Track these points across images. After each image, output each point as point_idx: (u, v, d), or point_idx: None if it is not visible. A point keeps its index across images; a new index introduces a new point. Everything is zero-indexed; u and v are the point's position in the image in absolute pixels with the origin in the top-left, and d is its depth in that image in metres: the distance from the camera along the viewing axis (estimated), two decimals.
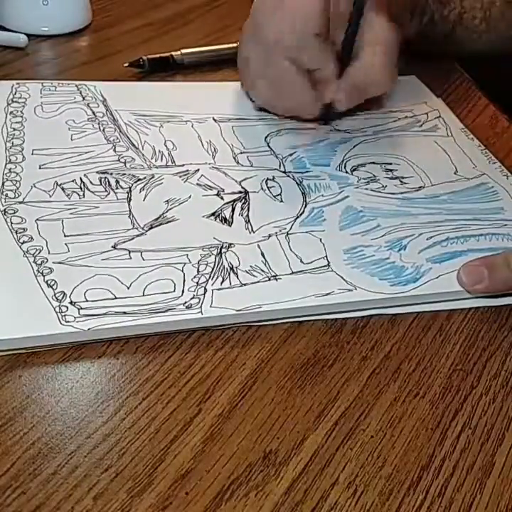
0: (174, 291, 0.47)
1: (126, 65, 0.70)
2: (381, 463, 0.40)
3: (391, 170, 0.61)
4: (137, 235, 0.51)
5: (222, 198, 0.55)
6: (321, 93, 0.62)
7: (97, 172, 0.56)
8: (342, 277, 0.50)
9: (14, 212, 0.51)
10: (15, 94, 0.63)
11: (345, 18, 0.60)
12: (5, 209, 0.51)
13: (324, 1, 0.59)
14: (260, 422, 0.41)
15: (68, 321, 0.44)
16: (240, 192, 0.56)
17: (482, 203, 0.59)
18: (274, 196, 0.56)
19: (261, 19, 0.61)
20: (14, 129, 0.59)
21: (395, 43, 0.62)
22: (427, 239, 0.54)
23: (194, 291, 0.47)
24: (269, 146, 0.62)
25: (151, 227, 0.51)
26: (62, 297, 0.45)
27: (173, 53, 0.73)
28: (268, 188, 0.57)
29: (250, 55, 0.62)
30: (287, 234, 0.53)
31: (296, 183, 0.58)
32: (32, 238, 0.49)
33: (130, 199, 0.54)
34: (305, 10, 0.58)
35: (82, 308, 0.44)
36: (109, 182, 0.55)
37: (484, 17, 0.75)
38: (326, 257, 0.51)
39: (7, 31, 0.75)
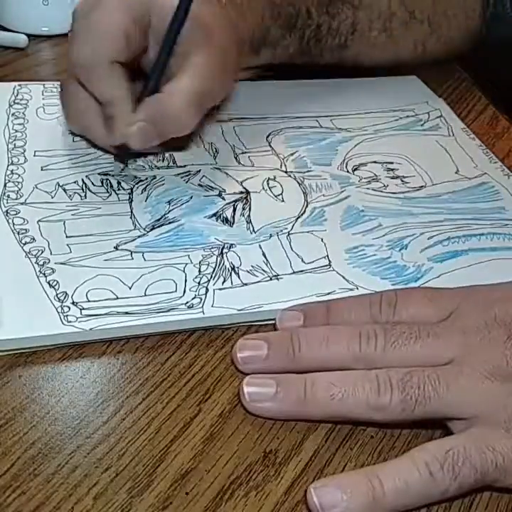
0: (176, 291, 0.47)
1: None
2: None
3: (392, 169, 0.61)
4: (139, 236, 0.51)
5: (223, 199, 0.55)
6: (109, 131, 0.53)
7: (99, 173, 0.56)
8: (343, 277, 0.50)
9: (16, 214, 0.51)
10: (17, 95, 0.63)
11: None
12: (7, 210, 0.51)
13: (132, 22, 0.51)
14: (260, 422, 0.41)
15: (70, 321, 0.44)
16: (242, 192, 0.56)
17: (483, 202, 0.59)
18: (276, 196, 0.56)
19: (70, 40, 0.53)
20: (16, 131, 0.59)
21: (211, 75, 0.54)
22: (429, 238, 0.54)
23: (196, 291, 0.47)
24: (270, 146, 0.62)
25: (153, 228, 0.52)
26: (64, 297, 0.45)
27: None
28: (269, 188, 0.57)
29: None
30: (288, 234, 0.53)
31: (298, 182, 0.58)
32: (34, 239, 0.49)
33: (132, 200, 0.54)
34: (105, 31, 0.51)
35: (84, 309, 0.45)
36: (110, 183, 0.55)
37: (384, 28, 0.70)
38: (327, 256, 0.51)
39: (7, 31, 0.75)
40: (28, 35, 0.74)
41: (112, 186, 0.55)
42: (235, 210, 0.54)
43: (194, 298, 0.47)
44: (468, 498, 0.39)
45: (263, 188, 0.57)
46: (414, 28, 0.72)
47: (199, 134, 0.61)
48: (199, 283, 0.48)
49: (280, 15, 0.64)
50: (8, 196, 0.53)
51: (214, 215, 0.54)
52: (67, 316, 0.44)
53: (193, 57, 0.53)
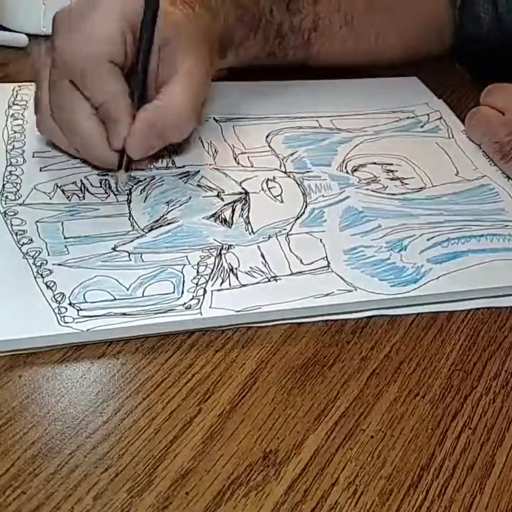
0: (174, 292, 0.47)
1: None
2: (381, 463, 0.40)
3: (392, 171, 0.61)
4: (137, 237, 0.51)
5: (222, 199, 0.55)
6: (110, 135, 0.52)
7: (98, 174, 0.56)
8: (342, 278, 0.50)
9: (14, 214, 0.51)
10: (16, 96, 0.63)
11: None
12: (5, 211, 0.51)
13: (128, 29, 0.52)
14: (260, 422, 0.41)
15: (67, 322, 0.44)
16: (241, 193, 0.56)
17: (483, 204, 0.59)
18: (275, 197, 0.56)
19: (57, 42, 0.52)
20: (15, 132, 0.59)
21: (202, 76, 0.55)
22: (428, 239, 0.54)
23: (193, 292, 0.47)
24: (269, 146, 0.62)
25: (151, 229, 0.51)
26: (62, 298, 0.45)
27: None
28: (268, 188, 0.57)
29: (42, 78, 0.54)
30: (287, 235, 0.53)
31: (297, 183, 0.58)
32: (32, 240, 0.49)
33: (130, 201, 0.54)
34: (103, 33, 0.51)
35: (81, 310, 0.44)
36: (109, 184, 0.55)
37: (345, 21, 0.70)
38: (326, 257, 0.51)
39: (7, 31, 0.75)
40: (28, 35, 0.74)
41: (110, 187, 0.55)
42: (233, 211, 0.54)
43: (192, 299, 0.46)
44: (469, 498, 0.39)
45: (262, 189, 0.57)
46: (375, 16, 0.71)
47: (197, 135, 0.61)
48: (197, 284, 0.48)
49: (244, 15, 0.64)
50: (7, 197, 0.53)
51: (213, 216, 0.54)
52: (64, 317, 0.44)
53: (181, 63, 0.53)
